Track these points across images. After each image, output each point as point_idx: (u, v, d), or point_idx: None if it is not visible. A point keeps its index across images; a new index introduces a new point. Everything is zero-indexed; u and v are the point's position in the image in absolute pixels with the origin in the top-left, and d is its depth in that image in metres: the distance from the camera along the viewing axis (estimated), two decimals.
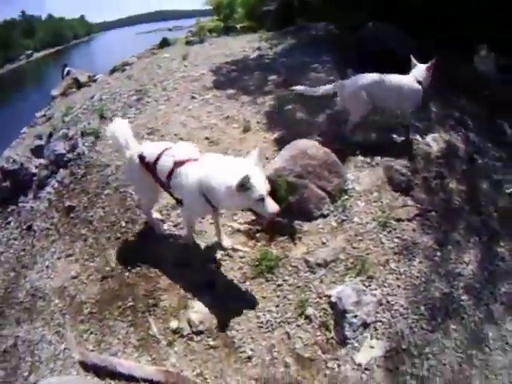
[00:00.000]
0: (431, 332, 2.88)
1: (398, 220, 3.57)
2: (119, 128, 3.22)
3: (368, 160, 4.15)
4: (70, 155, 4.64)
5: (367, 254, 3.23)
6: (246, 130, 4.60)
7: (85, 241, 3.65)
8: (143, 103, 5.46)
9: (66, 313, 3.16)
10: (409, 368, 2.67)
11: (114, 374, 2.59)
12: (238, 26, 10.79)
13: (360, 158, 4.19)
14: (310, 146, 3.72)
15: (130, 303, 3.03)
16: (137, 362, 2.66)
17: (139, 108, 5.33)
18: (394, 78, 3.97)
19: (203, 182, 2.62)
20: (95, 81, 8.41)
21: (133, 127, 4.40)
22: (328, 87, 4.18)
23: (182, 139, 4.42)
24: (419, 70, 4.00)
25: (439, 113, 5.27)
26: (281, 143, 4.12)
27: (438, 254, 3.37)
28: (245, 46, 7.88)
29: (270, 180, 3.00)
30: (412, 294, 3.03)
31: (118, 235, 3.56)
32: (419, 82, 3.92)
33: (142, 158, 2.99)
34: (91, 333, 2.95)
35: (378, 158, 4.15)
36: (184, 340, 2.76)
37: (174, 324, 2.83)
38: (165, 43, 10.10)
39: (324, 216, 3.49)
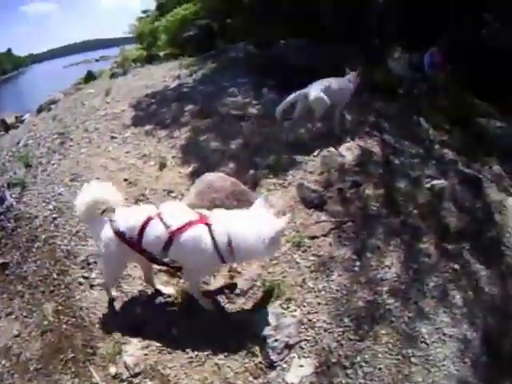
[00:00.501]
0: (360, 341, 2.97)
1: (313, 237, 3.67)
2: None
3: (280, 181, 4.30)
4: None
5: (283, 276, 3.31)
6: (162, 166, 4.74)
7: (22, 297, 3.63)
8: (66, 147, 5.49)
9: (13, 372, 3.14)
10: (343, 379, 2.77)
11: None
12: (162, 53, 11.12)
13: (272, 180, 4.33)
14: (216, 179, 3.85)
15: (71, 355, 3.05)
16: None
17: (62, 153, 5.36)
18: (339, 81, 5.10)
19: (233, 238, 2.60)
20: (22, 121, 8.42)
21: (57, 174, 4.54)
22: (290, 98, 4.87)
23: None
24: (351, 75, 5.22)
25: (354, 120, 5.60)
26: (195, 177, 4.27)
27: (358, 263, 3.47)
28: (166, 74, 8.16)
29: None
30: (334, 308, 3.12)
31: (52, 288, 3.55)
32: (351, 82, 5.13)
33: (117, 232, 2.72)
34: None
35: (289, 178, 4.32)
36: None
37: (112, 370, 2.87)
38: (90, 77, 10.26)
39: None
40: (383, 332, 3.07)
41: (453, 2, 8.92)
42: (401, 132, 5.57)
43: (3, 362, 3.26)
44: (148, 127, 5.75)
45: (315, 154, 4.73)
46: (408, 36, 8.92)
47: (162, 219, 2.67)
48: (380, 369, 2.87)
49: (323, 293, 3.22)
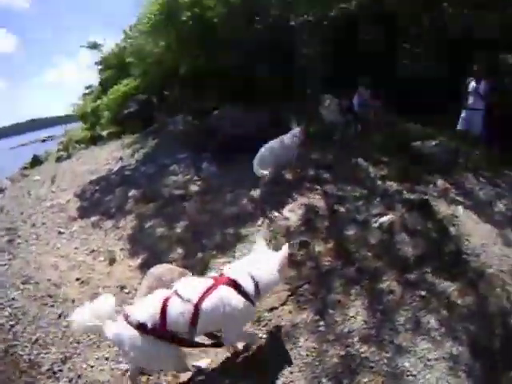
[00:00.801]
0: None
1: (271, 309, 3.91)
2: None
3: (230, 259, 4.46)
4: None
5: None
6: (112, 261, 4.92)
7: None
8: (15, 245, 5.57)
9: None
10: None
11: None
12: (105, 132, 11.39)
13: (221, 259, 4.58)
14: (165, 272, 4.05)
15: None
16: None
17: (11, 252, 5.41)
18: (284, 138, 5.97)
19: (257, 279, 2.91)
20: None
21: (8, 277, 4.61)
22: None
23: (55, 285, 4.60)
24: (297, 130, 6.04)
25: (293, 179, 6.10)
26: (145, 269, 4.43)
27: (322, 323, 3.76)
28: (108, 157, 8.49)
29: None
30: (309, 372, 3.29)
31: None
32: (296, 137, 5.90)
33: (138, 325, 2.67)
34: None
35: (238, 254, 4.49)
36: None
37: None
38: (36, 162, 10.38)
39: None
40: (365, 380, 3.26)
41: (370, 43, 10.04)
42: (342, 178, 6.06)
43: None
44: (94, 218, 5.97)
45: (259, 223, 5.08)
46: (335, 83, 9.84)
47: (179, 295, 2.73)
48: None
49: (294, 360, 3.37)
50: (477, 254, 4.94)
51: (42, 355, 3.71)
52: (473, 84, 7.55)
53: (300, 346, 3.49)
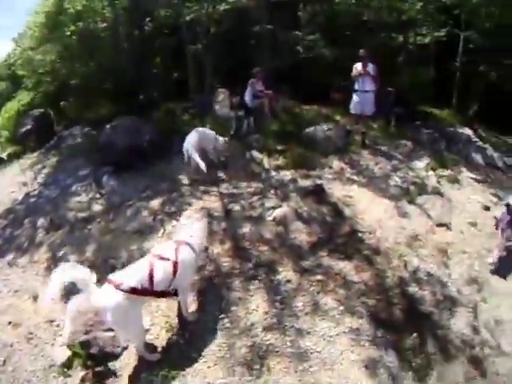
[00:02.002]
0: (258, 378, 3.97)
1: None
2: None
3: None
4: None
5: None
6: (35, 298, 5.27)
7: None
8: None
9: None
10: None
11: None
12: (4, 154, 11.17)
13: None
14: (80, 303, 4.30)
15: None
16: None
17: None
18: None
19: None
20: None
21: None
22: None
23: None
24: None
25: (190, 183, 6.82)
26: (66, 299, 4.54)
27: (226, 320, 4.44)
28: (12, 183, 8.54)
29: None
30: (223, 364, 4.05)
31: None
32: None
33: (131, 289, 3.74)
34: None
35: None
36: None
37: None
38: None
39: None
40: (274, 363, 4.05)
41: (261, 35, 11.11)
42: (237, 175, 6.81)
43: None
44: (9, 257, 6.19)
45: (160, 235, 5.64)
46: (228, 78, 10.68)
47: (161, 257, 3.97)
48: None
49: (208, 356, 4.09)
50: (372, 230, 5.85)
51: None
52: (356, 67, 8.43)
53: (212, 343, 4.21)
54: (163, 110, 10.24)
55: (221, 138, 7.35)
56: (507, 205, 5.86)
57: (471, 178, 8.04)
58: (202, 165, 6.48)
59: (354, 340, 4.38)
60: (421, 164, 8.18)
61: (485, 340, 4.81)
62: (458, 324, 4.88)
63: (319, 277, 4.98)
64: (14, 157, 10.49)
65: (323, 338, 4.36)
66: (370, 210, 6.21)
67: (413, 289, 5.12)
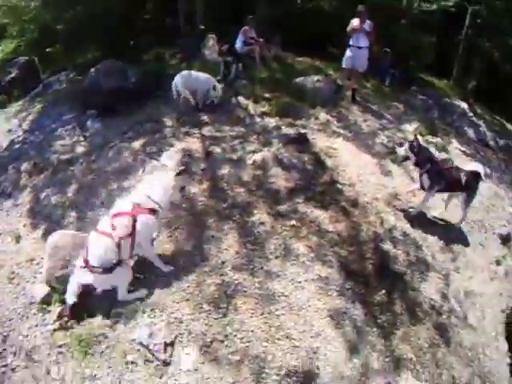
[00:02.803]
0: (224, 317, 4.06)
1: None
2: None
3: None
4: None
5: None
6: (18, 239, 5.36)
7: None
8: None
9: None
10: (225, 350, 3.85)
11: None
12: None
13: None
14: (58, 238, 4.65)
15: None
16: None
17: None
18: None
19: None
20: None
21: None
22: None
23: None
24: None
25: (173, 125, 6.73)
26: (47, 238, 4.89)
27: (198, 257, 4.54)
28: None
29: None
30: (192, 300, 4.14)
31: None
32: None
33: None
34: None
35: None
36: None
37: None
38: None
39: None
40: (241, 303, 4.15)
41: None
42: (221, 119, 6.78)
43: None
44: None
45: (140, 173, 5.65)
46: (220, 25, 10.46)
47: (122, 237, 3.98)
48: (252, 330, 3.96)
49: (179, 292, 4.19)
50: (352, 183, 5.88)
51: None
52: (352, 22, 8.29)
53: (182, 280, 4.29)
54: (152, 54, 10.02)
55: (218, 85, 7.41)
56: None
57: (460, 150, 8.08)
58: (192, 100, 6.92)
59: (321, 288, 4.45)
60: (410, 128, 8.18)
61: (453, 309, 4.90)
62: (429, 289, 4.95)
63: (293, 222, 5.03)
64: (1, 106, 10.30)
65: (292, 283, 4.43)
66: (352, 164, 6.22)
67: (387, 246, 5.16)
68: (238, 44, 9.16)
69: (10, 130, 8.21)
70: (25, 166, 6.72)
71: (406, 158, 5.69)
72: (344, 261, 4.80)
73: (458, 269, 5.34)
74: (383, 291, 4.69)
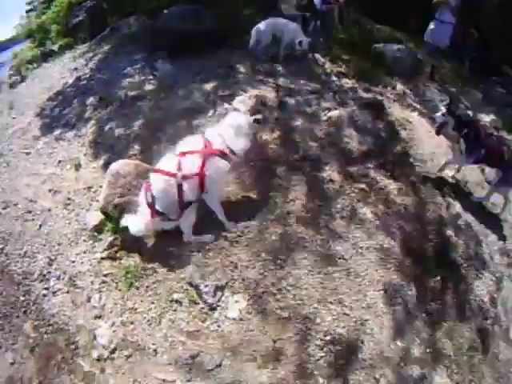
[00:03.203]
0: (281, 269, 3.91)
1: None
2: None
3: None
4: None
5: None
6: (78, 167, 5.42)
7: (2, 329, 4.27)
8: None
9: None
10: (275, 304, 3.73)
11: None
12: (55, 46, 11.20)
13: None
14: (121, 167, 4.57)
15: (60, 357, 3.83)
16: None
17: None
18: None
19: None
20: None
21: None
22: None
23: (31, 201, 5.17)
24: None
25: (247, 72, 6.45)
26: (108, 168, 4.86)
27: (263, 204, 4.40)
28: (62, 70, 8.56)
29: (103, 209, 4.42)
30: (251, 247, 4.05)
31: (24, 309, 4.26)
32: None
33: None
34: None
35: None
36: (108, 362, 3.64)
37: (94, 354, 3.71)
38: None
39: None
40: (300, 257, 4.02)
41: None
42: (296, 72, 6.51)
43: None
44: (57, 132, 6.31)
45: (210, 114, 5.50)
46: None
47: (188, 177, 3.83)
48: (306, 288, 3.83)
49: (238, 238, 4.11)
50: (423, 160, 5.59)
51: (31, 264, 4.48)
52: None
53: (243, 225, 4.20)
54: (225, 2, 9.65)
55: (305, 39, 7.05)
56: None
57: None
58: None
59: (381, 259, 4.27)
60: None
61: (498, 317, 4.61)
62: (480, 289, 4.68)
63: (363, 186, 4.84)
64: (66, 49, 10.35)
65: (353, 248, 4.26)
66: (426, 142, 5.90)
67: (450, 233, 4.90)
68: (317, 0, 8.74)
69: (76, 69, 8.24)
70: (90, 100, 6.72)
71: (444, 125, 5.27)
72: (407, 237, 4.58)
73: (511, 276, 5.01)
74: (438, 278, 4.47)
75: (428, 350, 3.99)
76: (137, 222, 3.93)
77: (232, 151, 3.94)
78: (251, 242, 4.08)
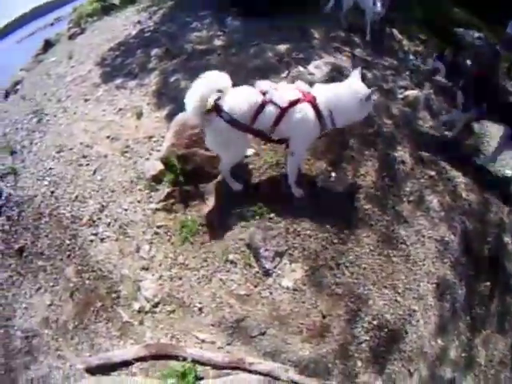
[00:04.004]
0: (343, 244, 3.82)
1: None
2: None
3: None
4: None
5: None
6: (139, 116, 5.29)
7: (44, 271, 4.36)
8: (44, 123, 5.96)
9: (57, 337, 3.95)
10: (332, 279, 3.66)
11: (113, 366, 3.45)
12: (117, 0, 11.19)
13: None
14: (189, 118, 4.39)
15: (99, 304, 3.87)
16: (124, 348, 3.55)
17: (42, 130, 5.85)
18: None
19: (331, 103, 3.53)
20: None
21: (42, 151, 5.24)
22: None
23: (87, 146, 5.12)
24: None
25: (322, 38, 6.23)
26: (171, 119, 4.82)
27: (333, 174, 4.28)
28: (125, 23, 8.44)
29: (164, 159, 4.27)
30: (316, 217, 3.91)
31: (68, 253, 4.29)
32: None
33: (230, 121, 3.50)
34: (83, 342, 3.79)
35: None
36: (149, 315, 3.65)
37: (136, 306, 3.71)
38: (48, 45, 10.27)
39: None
40: (364, 235, 3.94)
41: None
42: (373, 45, 6.28)
43: (45, 331, 4.06)
44: (118, 81, 6.19)
45: (284, 75, 5.32)
46: None
47: (273, 102, 3.47)
48: (364, 268, 3.76)
49: (303, 206, 3.96)
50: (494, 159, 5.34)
51: (81, 209, 4.46)
52: None
53: (310, 193, 4.04)
54: None
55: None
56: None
57: None
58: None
59: (439, 252, 4.18)
60: None
61: None
62: None
63: (433, 173, 4.70)
64: (127, 2, 10.17)
65: (416, 235, 4.17)
66: (496, 139, 5.51)
67: (507, 239, 4.79)
68: None
69: (139, 22, 8.10)
70: (155, 51, 6.57)
71: (436, 71, 5.09)
72: (467, 234, 4.47)
73: None
74: (488, 283, 4.39)
75: (463, 355, 3.96)
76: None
77: (333, 122, 3.65)
78: (317, 211, 3.97)
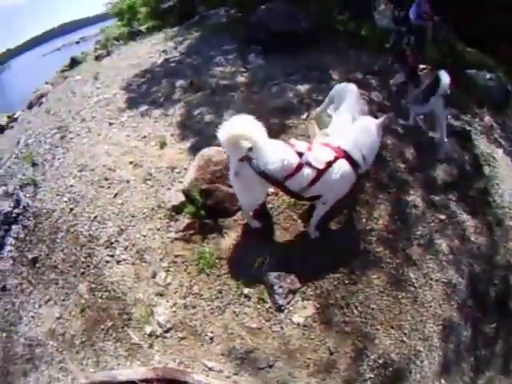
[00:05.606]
0: (353, 285, 4.00)
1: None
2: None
3: None
4: (16, 210, 5.35)
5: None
6: (163, 145, 5.45)
7: (56, 284, 4.50)
8: (67, 140, 6.17)
9: (62, 350, 4.06)
10: (341, 317, 3.83)
11: None
12: (143, 27, 11.51)
13: None
14: (214, 154, 4.61)
15: (110, 323, 3.98)
16: (131, 369, 3.62)
17: (65, 146, 6.05)
18: None
19: (361, 146, 3.73)
20: (16, 119, 8.88)
21: (64, 168, 5.42)
22: None
23: (110, 169, 5.27)
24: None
25: (341, 78, 6.43)
26: (194, 152, 5.00)
27: (347, 218, 4.43)
28: (151, 50, 8.70)
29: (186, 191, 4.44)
30: (329, 257, 4.10)
31: (82, 270, 4.43)
32: None
33: (260, 172, 3.55)
34: (88, 358, 3.89)
35: None
36: (160, 339, 3.76)
37: (148, 329, 3.83)
38: (74, 63, 10.64)
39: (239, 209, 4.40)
40: (374, 277, 4.11)
41: None
42: (388, 88, 6.42)
43: (50, 343, 4.17)
44: (143, 108, 6.39)
45: (304, 117, 5.51)
46: None
47: (309, 164, 3.58)
48: (373, 308, 3.92)
49: (318, 245, 4.14)
50: (502, 201, 5.56)
51: (99, 230, 4.60)
52: None
53: (324, 234, 4.25)
54: (319, 5, 9.51)
55: None
56: None
57: None
58: None
59: (446, 294, 4.33)
60: None
61: None
62: None
63: (443, 217, 4.87)
64: (153, 30, 10.52)
65: (424, 277, 4.34)
66: (507, 182, 5.84)
67: None
68: (412, 16, 8.53)
69: (164, 51, 8.34)
70: (180, 83, 6.78)
71: None
72: (474, 276, 4.62)
73: None
74: (493, 325, 4.53)
75: None
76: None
77: (365, 159, 3.80)
78: (328, 253, 4.14)
